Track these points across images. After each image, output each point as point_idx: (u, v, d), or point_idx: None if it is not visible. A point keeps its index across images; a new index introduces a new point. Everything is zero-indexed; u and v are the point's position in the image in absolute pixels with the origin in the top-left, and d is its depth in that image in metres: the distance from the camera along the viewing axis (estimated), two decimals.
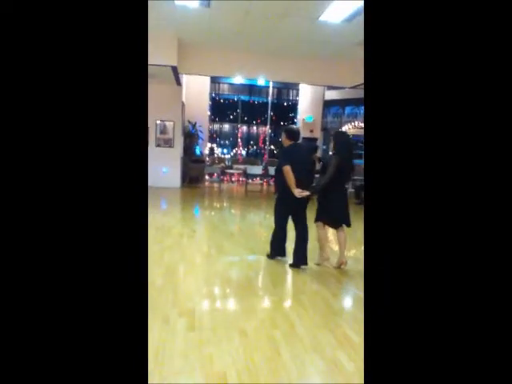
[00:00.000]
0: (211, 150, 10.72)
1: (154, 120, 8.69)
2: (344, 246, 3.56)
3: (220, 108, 10.73)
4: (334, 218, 3.54)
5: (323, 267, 3.65)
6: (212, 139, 10.80)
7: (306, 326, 2.42)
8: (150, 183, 8.71)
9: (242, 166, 9.93)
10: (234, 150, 10.99)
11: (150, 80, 7.95)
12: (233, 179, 10.66)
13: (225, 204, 7.66)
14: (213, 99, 10.61)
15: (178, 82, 8.12)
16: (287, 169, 3.23)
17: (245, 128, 11.03)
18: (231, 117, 10.86)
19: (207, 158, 10.48)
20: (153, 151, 8.81)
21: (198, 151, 10.21)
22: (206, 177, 10.44)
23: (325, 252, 3.68)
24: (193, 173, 9.75)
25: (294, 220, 3.59)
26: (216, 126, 10.92)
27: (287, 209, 3.50)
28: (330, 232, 4.17)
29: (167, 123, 8.79)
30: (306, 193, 3.24)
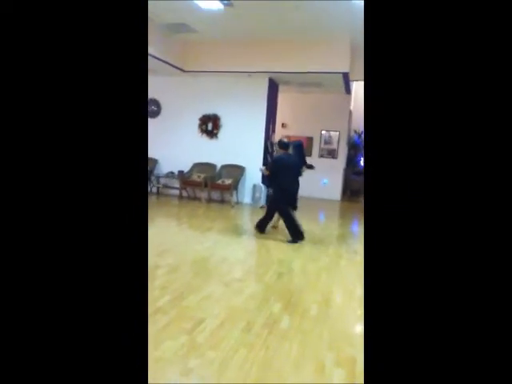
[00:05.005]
0: None
1: (319, 130, 8.53)
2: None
3: None
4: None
5: None
6: None
7: None
8: (308, 194, 8.57)
9: None
10: None
11: (316, 90, 7.82)
12: None
13: None
14: None
15: (348, 90, 7.69)
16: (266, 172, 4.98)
17: None
18: None
19: None
20: (315, 162, 8.64)
21: (361, 163, 9.52)
22: None
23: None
24: (354, 186, 9.12)
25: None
26: None
27: (284, 200, 4.68)
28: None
29: (332, 133, 8.48)
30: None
